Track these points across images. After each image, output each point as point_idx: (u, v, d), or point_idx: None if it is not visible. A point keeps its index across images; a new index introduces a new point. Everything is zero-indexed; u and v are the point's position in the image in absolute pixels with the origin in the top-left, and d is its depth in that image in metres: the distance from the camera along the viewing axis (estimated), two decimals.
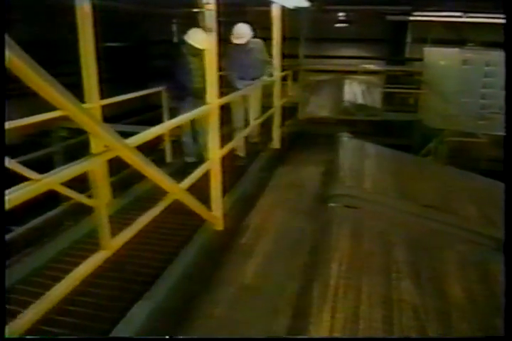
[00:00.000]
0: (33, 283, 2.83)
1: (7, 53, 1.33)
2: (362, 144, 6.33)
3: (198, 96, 4.45)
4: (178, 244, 3.24)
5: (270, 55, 5.72)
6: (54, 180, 1.72)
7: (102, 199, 1.98)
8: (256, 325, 2.50)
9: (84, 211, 3.73)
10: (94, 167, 1.93)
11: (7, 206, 1.43)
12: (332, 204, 3.97)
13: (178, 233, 3.45)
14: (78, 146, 5.53)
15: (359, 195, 4.25)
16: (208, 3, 3.10)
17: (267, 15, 5.66)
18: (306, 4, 6.30)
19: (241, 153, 5.44)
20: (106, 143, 1.93)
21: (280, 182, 4.78)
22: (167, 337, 2.27)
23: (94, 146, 3.64)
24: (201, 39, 4.42)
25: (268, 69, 5.68)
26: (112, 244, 2.05)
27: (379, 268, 2.91)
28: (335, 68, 9.38)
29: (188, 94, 4.90)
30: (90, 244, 3.32)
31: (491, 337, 2.17)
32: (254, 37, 5.55)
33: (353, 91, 8.98)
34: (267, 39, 5.60)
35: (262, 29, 6.21)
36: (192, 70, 4.84)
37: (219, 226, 3.42)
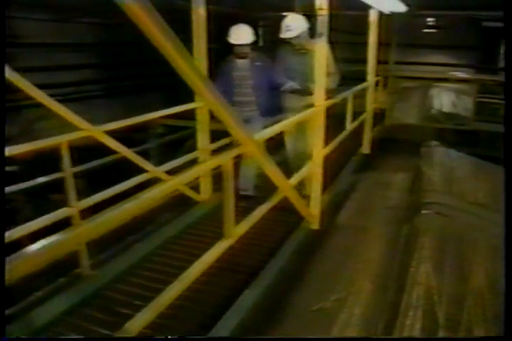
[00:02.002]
0: (145, 268, 3.10)
1: (173, 50, 1.46)
2: (450, 153, 6.20)
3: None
4: (278, 240, 3.37)
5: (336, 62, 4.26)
6: (182, 179, 1.85)
7: (230, 191, 2.11)
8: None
9: (183, 204, 3.99)
10: (226, 162, 2.06)
11: (149, 205, 1.53)
12: (424, 212, 3.97)
13: (277, 229, 3.59)
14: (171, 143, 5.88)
15: (451, 204, 4.22)
16: (321, 9, 3.17)
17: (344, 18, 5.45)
18: (404, 9, 6.24)
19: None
20: (238, 137, 2.06)
21: (371, 189, 4.78)
22: (168, 337, 2.33)
23: (200, 143, 3.87)
24: (245, 34, 3.98)
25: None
26: (235, 233, 2.18)
27: None
28: (425, 75, 9.13)
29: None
30: (192, 234, 3.58)
31: (491, 337, 2.08)
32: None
33: (442, 99, 8.72)
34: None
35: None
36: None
37: (315, 225, 3.50)
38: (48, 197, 5.75)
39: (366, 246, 3.43)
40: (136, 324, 1.75)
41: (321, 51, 3.22)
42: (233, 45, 4.00)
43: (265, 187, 3.48)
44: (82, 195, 2.87)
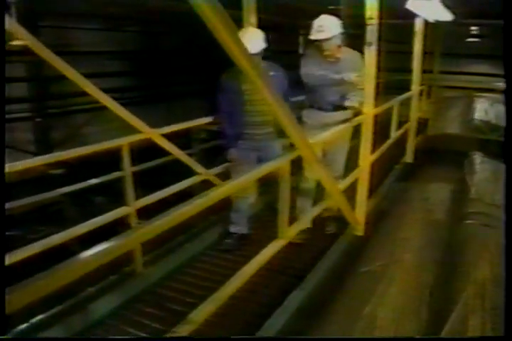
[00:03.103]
0: (195, 267, 3.27)
1: (237, 50, 1.51)
2: (494, 164, 6.12)
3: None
4: (324, 244, 3.43)
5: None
6: (239, 184, 1.92)
7: (286, 193, 2.19)
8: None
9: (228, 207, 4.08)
10: (283, 165, 2.14)
11: (205, 205, 1.60)
12: (468, 222, 3.96)
13: (321, 233, 3.69)
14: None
15: (495, 214, 4.20)
16: (371, 19, 3.22)
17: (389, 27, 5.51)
18: (450, 18, 6.19)
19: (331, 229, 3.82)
20: (293, 140, 2.12)
21: (414, 198, 4.76)
22: (166, 336, 2.38)
23: None
24: (252, 42, 3.07)
25: (353, 96, 3.47)
26: (288, 233, 2.25)
27: None
28: (469, 85, 9.00)
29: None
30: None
31: (491, 337, 2.05)
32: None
33: (486, 109, 8.57)
34: None
35: None
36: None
37: (360, 231, 3.52)
38: (92, 200, 5.96)
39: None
40: (193, 320, 1.83)
41: (370, 61, 3.26)
42: None
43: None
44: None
